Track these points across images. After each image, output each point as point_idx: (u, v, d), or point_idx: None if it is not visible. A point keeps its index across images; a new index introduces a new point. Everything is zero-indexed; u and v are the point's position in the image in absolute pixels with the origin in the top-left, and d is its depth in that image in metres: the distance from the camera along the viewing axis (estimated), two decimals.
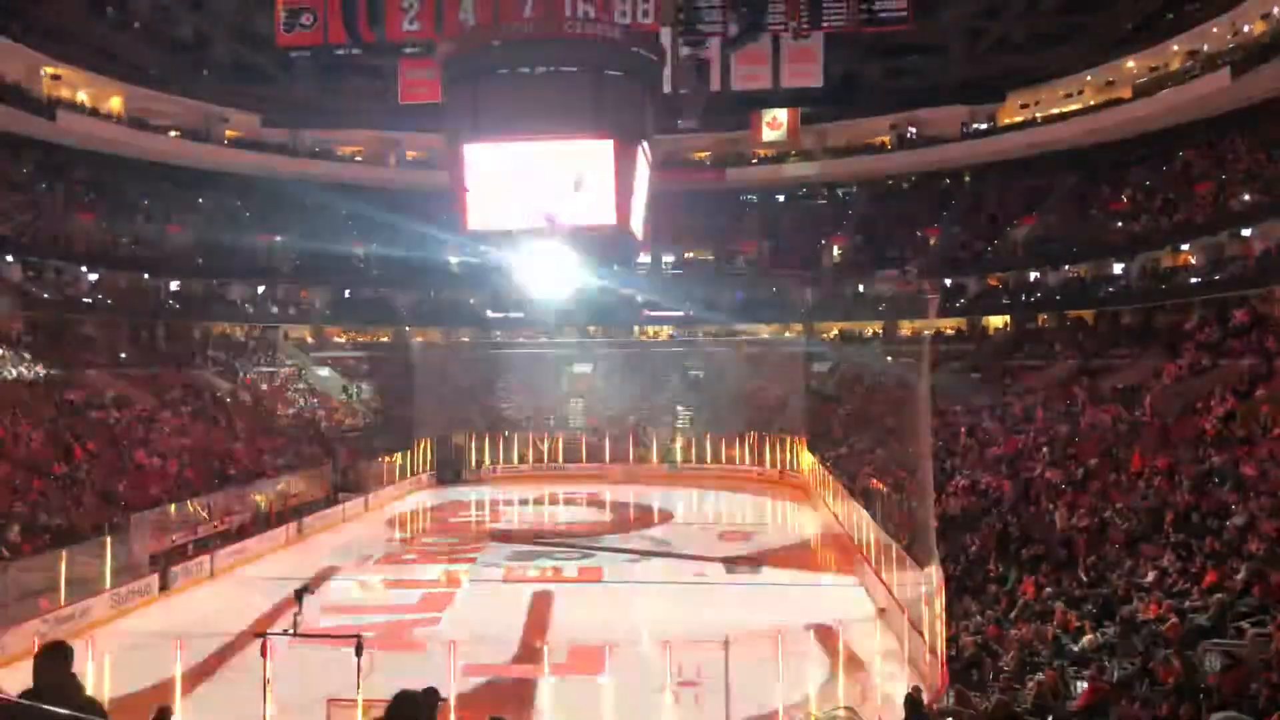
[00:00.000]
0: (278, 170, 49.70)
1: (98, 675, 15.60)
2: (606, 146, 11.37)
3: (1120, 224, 40.54)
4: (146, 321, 43.71)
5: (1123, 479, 21.62)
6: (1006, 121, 46.86)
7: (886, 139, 51.30)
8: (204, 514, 27.39)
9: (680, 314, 51.65)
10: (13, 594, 18.68)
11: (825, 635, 17.13)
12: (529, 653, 17.60)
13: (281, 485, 31.88)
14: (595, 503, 37.16)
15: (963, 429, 33.95)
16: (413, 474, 40.57)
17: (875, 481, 29.16)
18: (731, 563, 25.82)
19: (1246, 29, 34.32)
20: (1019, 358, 41.06)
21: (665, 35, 16.25)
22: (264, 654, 11.86)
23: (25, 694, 4.45)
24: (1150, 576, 15.04)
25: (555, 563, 26.14)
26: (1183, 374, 28.24)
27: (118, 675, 16.09)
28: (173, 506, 26.54)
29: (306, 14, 17.58)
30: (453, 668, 14.02)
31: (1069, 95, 44.14)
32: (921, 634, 15.41)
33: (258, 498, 30.17)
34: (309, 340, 51.76)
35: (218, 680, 16.18)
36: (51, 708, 4.12)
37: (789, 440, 41.34)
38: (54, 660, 4.58)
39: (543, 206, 11.49)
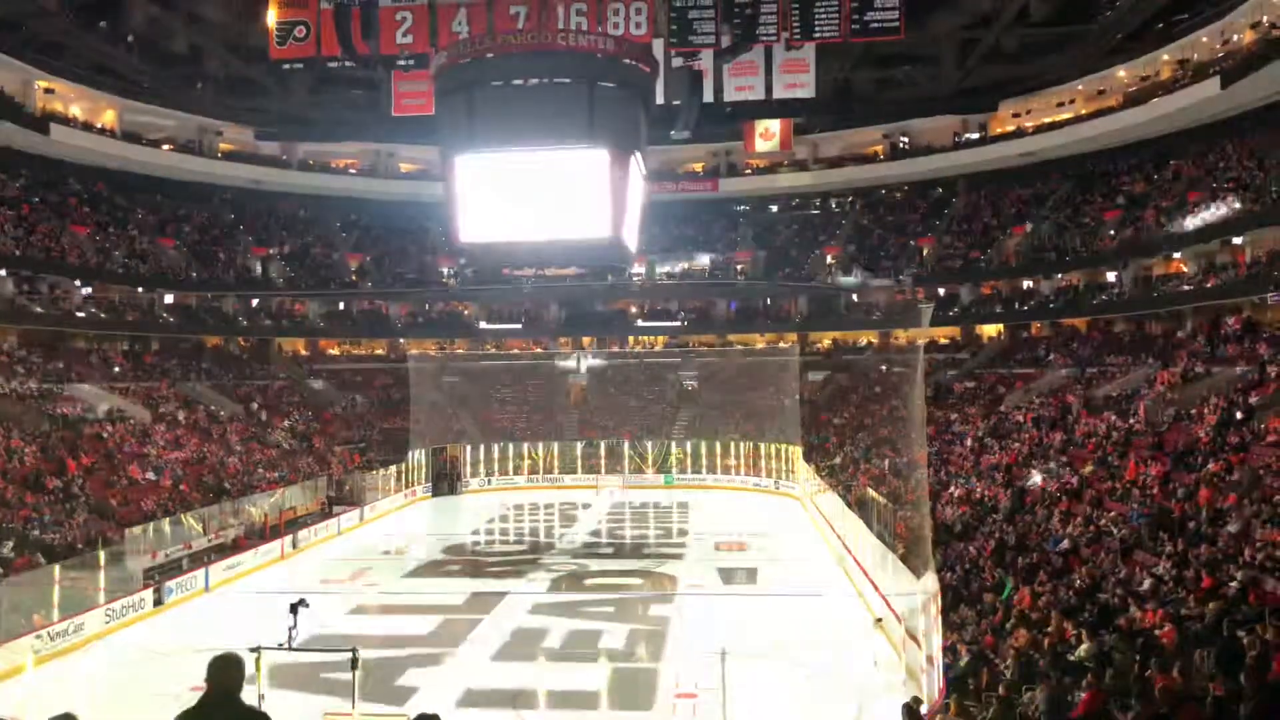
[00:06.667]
0: (271, 183, 49.73)
1: (91, 690, 15.53)
2: (600, 157, 11.39)
3: (1112, 232, 40.71)
4: (140, 335, 43.63)
5: (1117, 487, 21.65)
6: (999, 131, 47.07)
7: (879, 149, 51.49)
8: (198, 528, 27.32)
9: (674, 324, 51.76)
10: (6, 609, 18.57)
11: (822, 645, 17.10)
12: (525, 665, 17.54)
13: (276, 498, 31.80)
14: (591, 513, 37.07)
15: (957, 438, 34.02)
16: (408, 486, 40.50)
17: (871, 491, 29.16)
18: (728, 573, 25.79)
19: (1235, 39, 34.53)
20: (1012, 366, 41.16)
21: (658, 46, 16.32)
22: (258, 668, 11.80)
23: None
24: (1146, 584, 15.04)
25: (551, 575, 26.06)
26: (1176, 381, 28.32)
27: (112, 690, 16.01)
28: (166, 521, 26.47)
29: (300, 27, 17.65)
30: (449, 681, 13.99)
31: (1061, 104, 44.37)
32: (918, 643, 15.39)
33: (252, 511, 30.10)
34: (303, 352, 51.72)
35: None
36: None
37: (784, 450, 41.35)
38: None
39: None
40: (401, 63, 18.23)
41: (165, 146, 46.05)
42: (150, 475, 30.96)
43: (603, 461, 44.25)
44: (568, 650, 18.46)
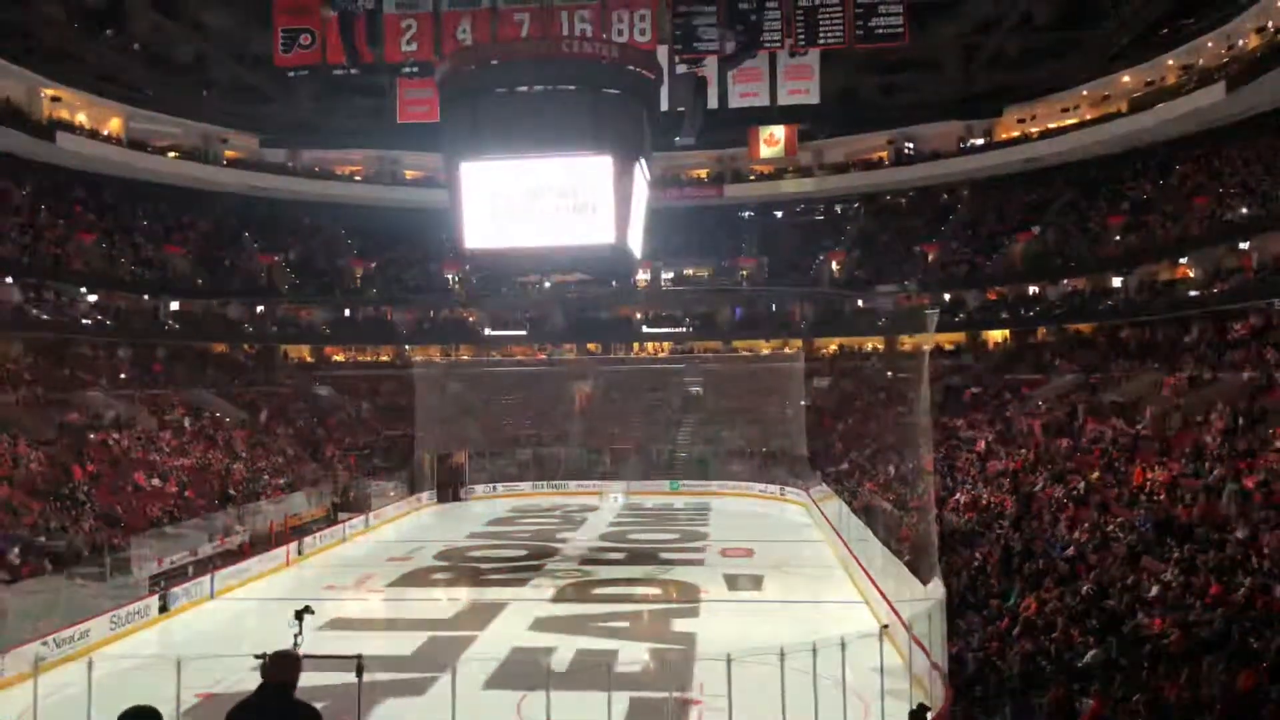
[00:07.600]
0: (277, 190, 49.83)
1: (97, 698, 15.50)
2: (605, 164, 11.39)
3: (1118, 238, 40.63)
4: (146, 342, 43.73)
5: (1124, 493, 21.57)
6: (1003, 137, 47.03)
7: (884, 154, 51.48)
8: (204, 534, 27.34)
9: (679, 330, 51.74)
10: (12, 616, 18.56)
11: (829, 653, 17.02)
12: (528, 673, 17.46)
13: (281, 505, 31.81)
14: (597, 518, 37.02)
15: (963, 444, 33.93)
16: (413, 493, 40.50)
17: (877, 497, 29.10)
18: (734, 579, 25.73)
19: (1241, 43, 34.49)
20: (1019, 372, 41.07)
21: (662, 53, 16.31)
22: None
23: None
24: (1153, 591, 14.97)
25: (555, 581, 26.01)
26: (1182, 387, 28.23)
27: (116, 698, 15.98)
28: (167, 528, 26.50)
29: (305, 34, 17.64)
30: (453, 689, 13.93)
31: (1065, 110, 44.33)
32: (925, 650, 15.33)
33: (258, 517, 30.11)
34: (308, 359, 51.78)
35: (217, 702, 16.06)
36: None
37: (789, 456, 41.26)
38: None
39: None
40: (406, 70, 18.24)
41: (171, 154, 46.18)
42: (156, 482, 30.99)
43: (607, 467, 44.20)
44: (572, 657, 18.08)
